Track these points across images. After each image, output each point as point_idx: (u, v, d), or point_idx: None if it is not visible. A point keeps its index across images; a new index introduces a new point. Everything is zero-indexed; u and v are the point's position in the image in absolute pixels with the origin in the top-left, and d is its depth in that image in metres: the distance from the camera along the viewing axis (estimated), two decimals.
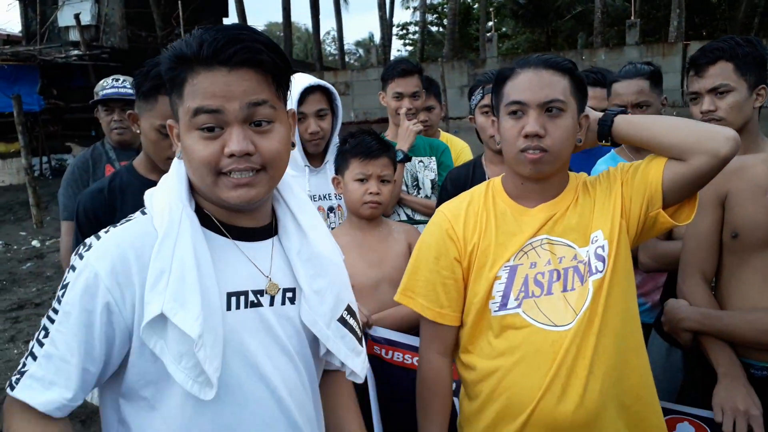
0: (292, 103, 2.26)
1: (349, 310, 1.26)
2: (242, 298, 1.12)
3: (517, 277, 1.42)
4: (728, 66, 1.83)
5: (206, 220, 1.13)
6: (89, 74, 13.76)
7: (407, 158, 2.58)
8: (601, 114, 1.47)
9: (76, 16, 14.72)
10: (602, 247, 1.40)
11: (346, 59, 30.82)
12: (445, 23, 24.74)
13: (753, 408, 1.51)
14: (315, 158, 2.39)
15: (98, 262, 1.03)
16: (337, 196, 2.31)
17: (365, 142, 2.04)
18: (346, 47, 31.96)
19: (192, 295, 1.02)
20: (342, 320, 1.23)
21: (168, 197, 1.10)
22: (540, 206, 1.46)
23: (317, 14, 23.85)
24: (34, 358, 1.03)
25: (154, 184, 1.83)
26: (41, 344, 1.03)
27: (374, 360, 1.89)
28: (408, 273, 1.57)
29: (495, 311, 1.43)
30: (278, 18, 23.90)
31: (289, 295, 1.18)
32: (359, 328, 1.28)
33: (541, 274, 1.40)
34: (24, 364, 1.04)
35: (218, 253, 1.10)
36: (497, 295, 1.43)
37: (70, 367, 1.01)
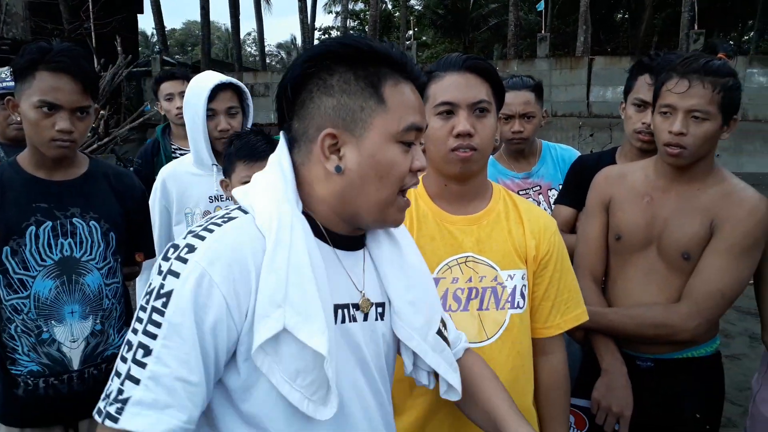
0: (200, 99, 2.22)
1: (443, 323, 1.18)
2: (345, 311, 1.03)
3: (437, 289, 1.44)
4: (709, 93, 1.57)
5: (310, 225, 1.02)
6: None
7: None
8: None
9: None
10: (525, 286, 1.47)
11: (268, 61, 30.39)
12: (367, 29, 24.93)
13: (625, 410, 1.65)
14: (223, 157, 2.36)
15: (212, 267, 0.88)
16: None
17: (250, 144, 1.92)
18: (267, 49, 31.53)
19: (315, 308, 0.92)
20: (440, 333, 1.14)
21: (273, 197, 0.97)
22: (466, 218, 1.48)
23: (237, 14, 23.41)
24: (136, 381, 0.86)
25: (39, 180, 1.75)
26: (142, 364, 0.86)
27: None
28: None
29: None
30: (197, 16, 23.24)
31: (379, 310, 1.09)
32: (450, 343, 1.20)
33: (460, 290, 1.44)
34: (120, 391, 0.87)
35: (324, 262, 1.00)
36: None
37: (186, 386, 0.87)
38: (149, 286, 0.91)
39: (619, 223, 1.78)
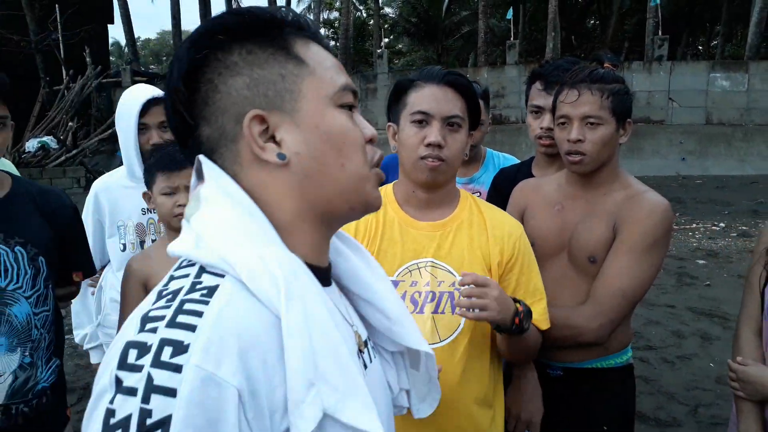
0: (132, 114, 2.23)
1: None
2: (363, 356, 0.84)
3: (396, 292, 1.48)
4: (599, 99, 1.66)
5: None
6: None
7: None
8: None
9: None
10: None
11: None
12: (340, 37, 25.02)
13: (534, 416, 1.68)
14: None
15: (221, 368, 0.60)
16: None
17: (168, 155, 1.91)
18: None
19: (354, 376, 0.69)
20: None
21: (250, 243, 0.70)
22: (431, 224, 1.52)
23: None
24: None
25: None
26: None
27: None
28: None
29: None
30: (169, 26, 23.11)
31: (371, 344, 0.90)
32: None
33: (418, 293, 1.48)
34: None
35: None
36: None
37: None
38: (105, 416, 0.58)
39: (533, 230, 1.82)
